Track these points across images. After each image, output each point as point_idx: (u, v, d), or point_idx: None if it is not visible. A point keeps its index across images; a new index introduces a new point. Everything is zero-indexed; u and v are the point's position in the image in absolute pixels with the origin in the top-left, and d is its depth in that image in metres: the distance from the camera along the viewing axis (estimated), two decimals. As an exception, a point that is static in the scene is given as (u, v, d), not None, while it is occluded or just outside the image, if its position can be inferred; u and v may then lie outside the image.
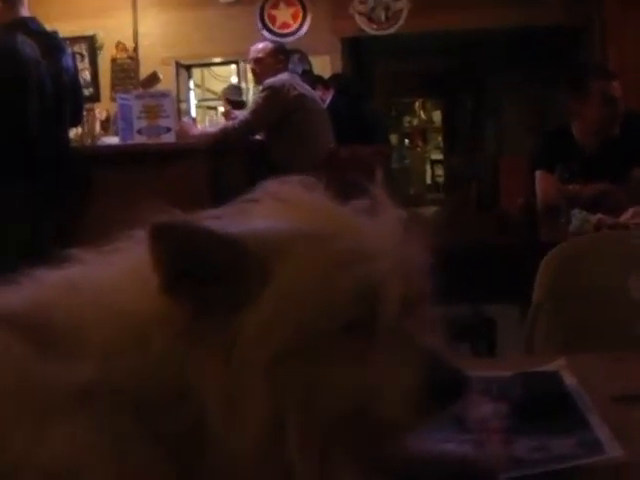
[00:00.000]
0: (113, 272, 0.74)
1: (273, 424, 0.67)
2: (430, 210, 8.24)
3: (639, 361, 1.14)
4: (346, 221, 0.74)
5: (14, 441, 0.63)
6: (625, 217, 3.51)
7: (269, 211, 0.74)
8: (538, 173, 4.05)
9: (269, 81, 5.10)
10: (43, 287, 0.74)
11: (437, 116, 13.23)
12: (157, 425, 0.66)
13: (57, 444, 0.63)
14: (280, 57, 5.40)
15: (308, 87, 5.50)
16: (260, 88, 5.32)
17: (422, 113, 13.47)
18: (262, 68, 5.35)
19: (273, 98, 5.03)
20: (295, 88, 5.15)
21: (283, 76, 5.21)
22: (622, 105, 4.08)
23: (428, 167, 13.37)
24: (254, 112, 5.09)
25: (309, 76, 6.73)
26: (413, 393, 0.70)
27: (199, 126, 6.68)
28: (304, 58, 7.51)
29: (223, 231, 0.70)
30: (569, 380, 1.12)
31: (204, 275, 0.69)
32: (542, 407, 1.05)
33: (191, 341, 0.69)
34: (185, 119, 6.04)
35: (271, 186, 0.76)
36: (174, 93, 8.21)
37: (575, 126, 4.16)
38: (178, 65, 8.81)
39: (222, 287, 0.69)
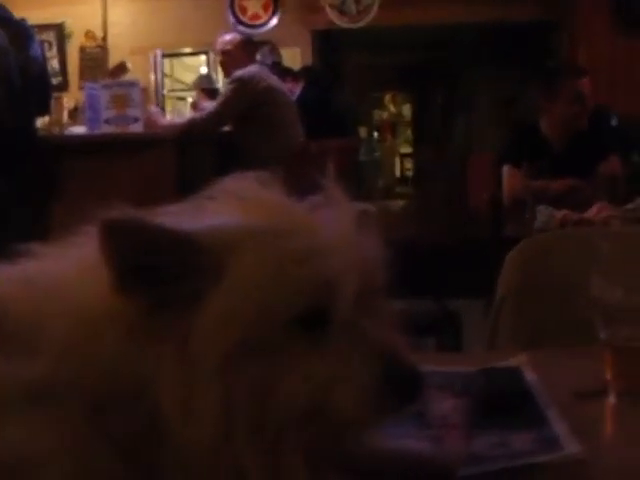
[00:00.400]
0: (68, 267, 0.73)
1: (225, 422, 0.67)
2: (398, 203, 8.26)
3: (598, 358, 1.15)
4: (300, 218, 0.74)
5: None
6: (590, 213, 3.54)
7: (225, 208, 0.74)
8: (505, 168, 4.08)
9: (238, 73, 5.09)
10: (0, 281, 0.74)
11: (407, 110, 13.26)
12: (112, 423, 0.65)
13: (9, 441, 0.63)
14: (248, 49, 5.39)
15: (277, 79, 5.48)
16: (228, 80, 5.31)
17: (392, 107, 13.50)
18: (229, 60, 5.34)
19: (242, 90, 5.02)
20: (264, 80, 5.14)
21: (252, 68, 5.20)
22: (590, 102, 4.12)
23: (397, 160, 13.41)
24: (222, 104, 5.07)
25: (279, 68, 6.71)
26: (366, 391, 0.70)
27: (168, 116, 6.66)
28: (274, 50, 7.49)
29: (175, 227, 0.70)
30: (530, 376, 1.13)
31: (156, 272, 0.68)
32: (503, 403, 1.05)
33: (145, 338, 0.68)
34: (153, 109, 6.00)
35: (228, 183, 0.76)
36: (152, 82, 8.19)
37: (543, 122, 4.19)
38: (163, 55, 8.77)
39: (175, 284, 0.68)
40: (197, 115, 5.37)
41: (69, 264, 0.73)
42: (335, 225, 0.73)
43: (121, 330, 0.68)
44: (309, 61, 8.36)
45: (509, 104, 9.22)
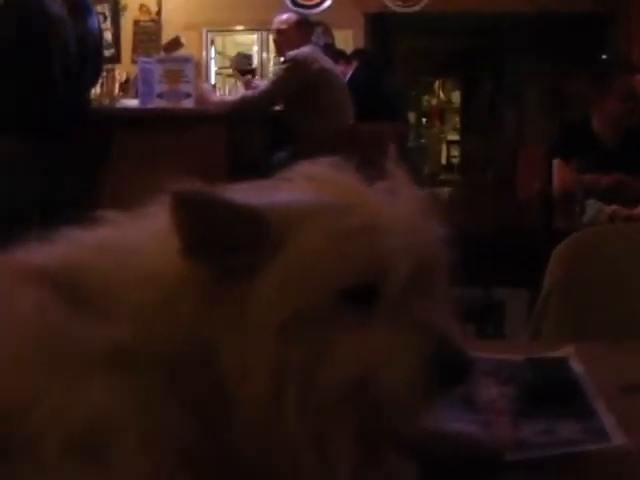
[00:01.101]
0: (141, 235, 0.76)
1: (276, 389, 0.69)
2: (444, 190, 8.24)
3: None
4: (365, 197, 0.75)
5: (49, 396, 0.64)
6: (640, 209, 3.52)
7: (297, 188, 0.76)
8: (556, 162, 4.06)
9: (292, 53, 5.09)
10: (75, 246, 0.76)
11: (456, 97, 13.17)
12: (185, 387, 0.68)
13: (91, 400, 0.65)
14: (303, 29, 5.38)
15: (330, 61, 5.48)
16: (282, 59, 5.31)
17: (441, 93, 13.42)
18: (284, 39, 5.34)
19: (295, 70, 5.02)
20: (317, 61, 5.14)
21: (306, 49, 5.20)
22: (643, 99, 4.07)
23: (444, 147, 13.33)
24: (275, 83, 5.08)
25: (331, 49, 6.71)
26: (413, 371, 0.71)
27: (218, 93, 6.68)
28: (327, 31, 7.48)
29: (241, 202, 0.72)
30: (577, 367, 1.14)
31: (222, 243, 0.71)
32: (549, 392, 1.06)
33: (211, 304, 0.71)
34: (204, 85, 6.03)
35: (303, 166, 0.78)
36: (203, 59, 8.21)
37: (595, 118, 4.15)
38: (215, 32, 8.79)
39: (239, 254, 0.71)
40: (249, 93, 5.37)
41: (141, 232, 0.76)
42: (398, 206, 0.75)
43: (193, 297, 0.71)
44: (361, 44, 8.35)
45: (558, 96, 9.14)
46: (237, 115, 4.87)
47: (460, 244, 0.78)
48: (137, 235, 0.76)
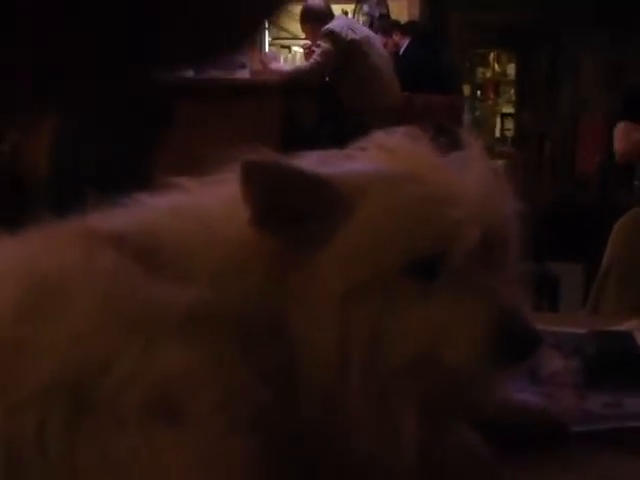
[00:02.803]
0: (215, 202, 0.76)
1: (340, 358, 0.70)
2: (498, 163, 8.17)
3: None
4: (437, 167, 0.75)
5: (126, 357, 0.65)
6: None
7: (369, 157, 0.76)
8: (619, 126, 3.93)
9: (327, 26, 5.13)
10: (151, 211, 0.77)
11: (511, 69, 13.01)
12: (256, 354, 0.68)
13: (167, 362, 0.65)
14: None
15: (367, 30, 5.51)
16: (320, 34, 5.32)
17: (496, 65, 13.27)
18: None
19: (333, 42, 5.06)
20: (353, 32, 5.17)
21: (339, 21, 5.25)
22: None
23: (498, 120, 13.20)
24: (320, 55, 5.12)
25: (386, 20, 6.66)
26: (478, 344, 0.70)
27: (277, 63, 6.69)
28: (382, 2, 7.43)
29: (312, 171, 0.72)
30: (644, 341, 1.13)
31: (292, 212, 0.71)
32: (615, 366, 1.06)
33: (280, 272, 0.71)
34: (268, 52, 6.08)
35: (377, 136, 0.78)
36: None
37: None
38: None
39: (308, 223, 0.71)
40: (302, 65, 5.42)
41: (213, 199, 0.77)
42: (469, 177, 0.75)
43: (262, 266, 0.72)
44: (416, 15, 8.27)
45: (617, 68, 8.99)
46: (292, 85, 4.88)
47: (525, 218, 0.77)
48: (209, 202, 0.77)
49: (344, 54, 5.07)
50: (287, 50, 9.04)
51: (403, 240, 0.71)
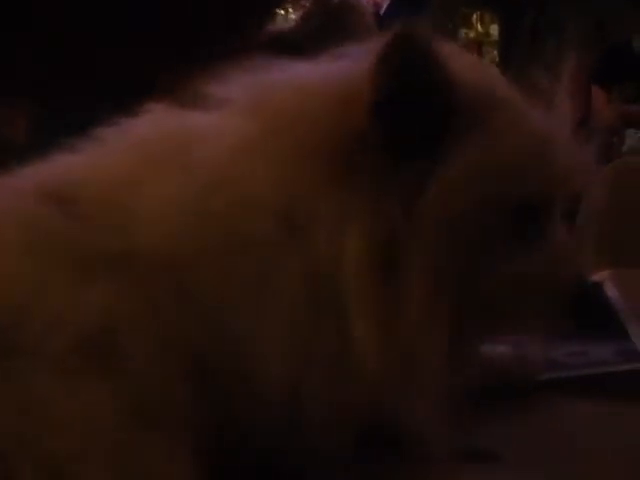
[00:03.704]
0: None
1: (430, 294, 0.65)
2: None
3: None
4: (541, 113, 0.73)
5: (48, 301, 0.61)
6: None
7: None
8: (594, 89, 3.97)
9: None
10: (88, 157, 0.73)
11: (494, 30, 12.98)
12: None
13: (92, 305, 0.62)
14: None
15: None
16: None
17: (479, 26, 13.23)
18: None
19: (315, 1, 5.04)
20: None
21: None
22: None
23: (482, 81, 13.19)
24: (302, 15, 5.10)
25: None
26: (558, 297, 0.71)
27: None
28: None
29: (449, 68, 0.67)
30: (611, 292, 1.13)
31: (411, 106, 0.65)
32: (583, 315, 1.06)
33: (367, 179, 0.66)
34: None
35: None
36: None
37: (637, 41, 4.05)
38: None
39: (423, 129, 0.66)
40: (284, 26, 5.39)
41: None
42: (565, 126, 0.73)
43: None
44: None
45: (602, 28, 8.97)
46: (275, 47, 4.87)
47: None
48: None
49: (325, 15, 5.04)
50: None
51: (521, 177, 0.68)
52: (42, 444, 0.56)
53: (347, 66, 0.70)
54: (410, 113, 0.65)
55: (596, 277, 1.20)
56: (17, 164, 0.71)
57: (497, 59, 12.70)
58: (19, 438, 0.56)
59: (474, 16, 13.17)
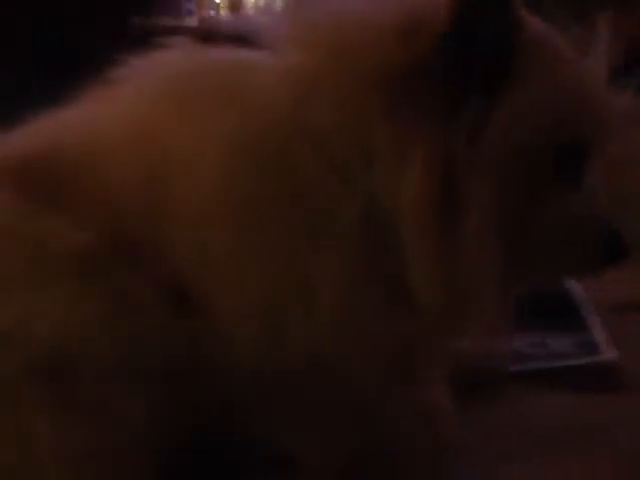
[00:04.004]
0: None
1: (488, 223, 0.66)
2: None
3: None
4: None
5: (9, 307, 0.59)
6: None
7: None
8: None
9: None
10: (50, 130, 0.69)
11: None
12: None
13: (56, 311, 0.59)
14: None
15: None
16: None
17: None
18: None
19: None
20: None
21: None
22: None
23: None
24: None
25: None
26: (595, 236, 0.72)
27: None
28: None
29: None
30: (570, 283, 1.14)
31: (481, 42, 0.65)
32: (542, 305, 1.07)
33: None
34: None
35: None
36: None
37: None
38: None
39: (488, 65, 0.66)
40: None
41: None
42: (602, 74, 0.74)
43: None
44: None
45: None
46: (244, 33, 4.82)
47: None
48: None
49: None
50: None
51: (561, 120, 0.69)
52: None
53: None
54: (479, 48, 0.65)
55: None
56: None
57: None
58: None
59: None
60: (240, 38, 0.72)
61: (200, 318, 0.64)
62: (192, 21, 4.70)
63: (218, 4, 6.12)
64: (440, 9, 0.65)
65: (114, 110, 0.68)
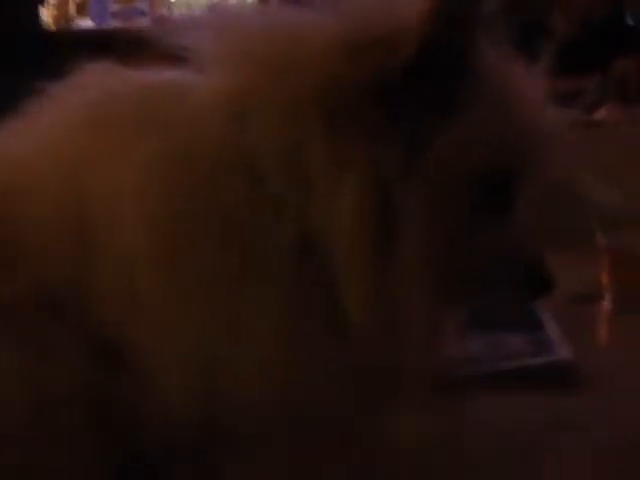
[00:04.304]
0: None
1: (423, 256, 0.65)
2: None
3: (595, 264, 1.16)
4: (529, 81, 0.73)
5: None
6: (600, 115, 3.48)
7: None
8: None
9: None
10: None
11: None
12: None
13: None
14: None
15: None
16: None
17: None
18: None
19: None
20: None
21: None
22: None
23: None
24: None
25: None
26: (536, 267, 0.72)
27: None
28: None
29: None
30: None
31: (439, 62, 0.64)
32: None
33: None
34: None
35: None
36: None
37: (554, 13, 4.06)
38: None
39: (440, 86, 0.65)
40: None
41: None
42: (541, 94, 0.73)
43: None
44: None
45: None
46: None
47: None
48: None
49: None
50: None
51: (502, 147, 0.68)
52: None
53: (340, 13, 0.68)
54: (437, 70, 0.64)
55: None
56: None
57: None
58: None
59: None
60: (165, 53, 0.68)
61: (129, 372, 0.61)
62: (144, 22, 4.67)
63: (172, 3, 6.10)
64: (400, 26, 0.64)
65: (30, 144, 0.66)
